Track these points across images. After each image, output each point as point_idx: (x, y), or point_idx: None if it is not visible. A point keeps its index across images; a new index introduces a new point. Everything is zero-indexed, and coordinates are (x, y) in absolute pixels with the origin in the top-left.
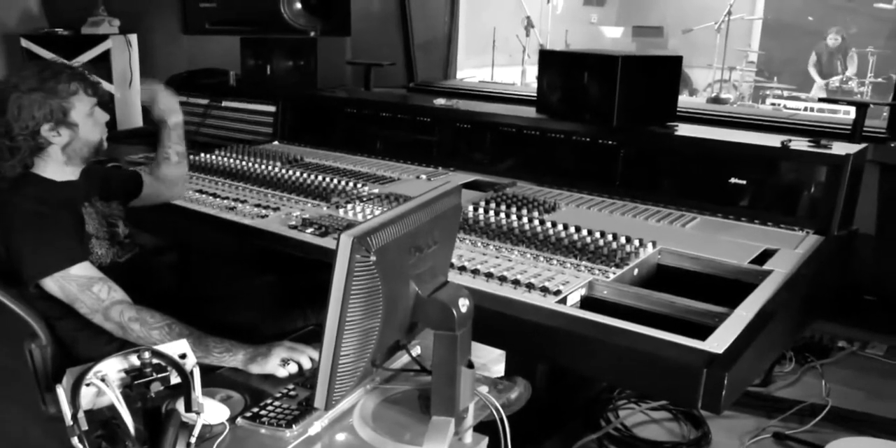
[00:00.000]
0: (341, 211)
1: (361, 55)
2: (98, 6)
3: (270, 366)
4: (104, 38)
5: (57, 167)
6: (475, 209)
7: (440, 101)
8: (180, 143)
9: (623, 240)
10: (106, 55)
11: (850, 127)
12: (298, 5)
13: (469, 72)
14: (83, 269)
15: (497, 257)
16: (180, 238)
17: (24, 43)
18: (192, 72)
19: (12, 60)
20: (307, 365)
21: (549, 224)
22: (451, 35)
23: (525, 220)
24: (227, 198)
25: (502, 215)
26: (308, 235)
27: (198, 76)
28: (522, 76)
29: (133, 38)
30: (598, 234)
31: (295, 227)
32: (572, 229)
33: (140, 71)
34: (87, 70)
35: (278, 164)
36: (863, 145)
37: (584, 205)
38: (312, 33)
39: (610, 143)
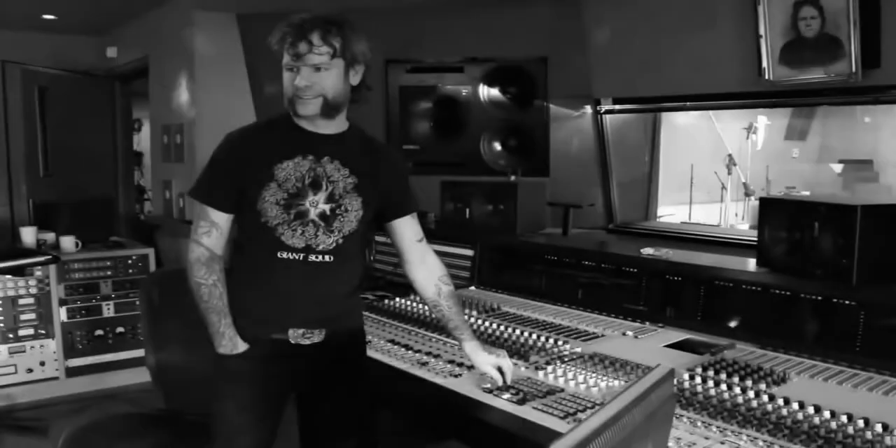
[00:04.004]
0: (541, 373)
1: (560, 195)
2: None
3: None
4: None
5: None
6: (691, 377)
7: (648, 251)
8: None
9: (879, 428)
10: None
11: None
12: (498, 147)
13: (666, 209)
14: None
15: (722, 443)
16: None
17: None
18: None
19: None
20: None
21: (780, 401)
22: (652, 174)
23: (751, 393)
24: (419, 351)
25: (723, 386)
26: (503, 402)
27: None
28: (722, 215)
29: None
30: (843, 419)
31: (490, 391)
32: (810, 410)
33: None
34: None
35: (474, 313)
36: None
37: (818, 375)
38: (513, 177)
39: (848, 303)
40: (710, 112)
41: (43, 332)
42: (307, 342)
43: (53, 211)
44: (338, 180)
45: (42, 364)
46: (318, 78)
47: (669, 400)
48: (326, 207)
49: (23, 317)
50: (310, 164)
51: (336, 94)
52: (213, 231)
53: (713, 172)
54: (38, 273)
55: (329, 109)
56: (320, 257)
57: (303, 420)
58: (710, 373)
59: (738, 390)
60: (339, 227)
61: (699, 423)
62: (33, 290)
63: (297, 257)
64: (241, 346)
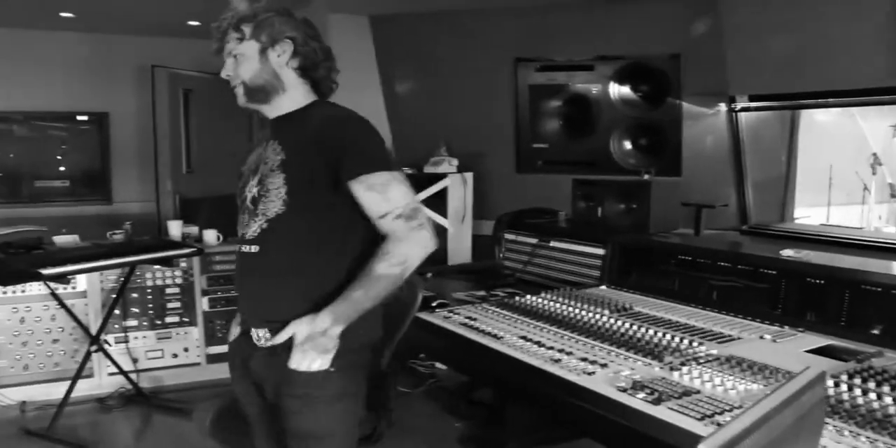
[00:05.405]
0: (676, 374)
1: (692, 196)
2: (440, 146)
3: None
4: (443, 176)
5: None
6: (836, 385)
7: (787, 252)
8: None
9: None
10: (443, 192)
11: None
12: (628, 146)
13: (802, 211)
14: None
15: None
16: (497, 381)
17: None
18: (523, 210)
19: None
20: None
21: None
22: (789, 174)
23: None
24: (552, 348)
25: (872, 395)
26: (638, 401)
27: (528, 215)
28: (865, 217)
29: (469, 176)
30: None
31: (624, 390)
32: None
33: (473, 208)
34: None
35: (606, 311)
36: None
37: None
38: (646, 176)
39: None
40: (854, 109)
41: (187, 320)
42: (263, 345)
43: (196, 206)
44: (269, 161)
45: (186, 350)
46: (235, 66)
47: (821, 403)
48: (256, 190)
49: (169, 305)
50: (261, 150)
51: (252, 76)
52: None
53: (854, 172)
54: (183, 264)
55: (252, 92)
56: (248, 247)
57: None
58: (857, 380)
59: (888, 400)
60: (264, 211)
61: (846, 433)
62: (178, 281)
63: (239, 249)
64: (232, 336)
